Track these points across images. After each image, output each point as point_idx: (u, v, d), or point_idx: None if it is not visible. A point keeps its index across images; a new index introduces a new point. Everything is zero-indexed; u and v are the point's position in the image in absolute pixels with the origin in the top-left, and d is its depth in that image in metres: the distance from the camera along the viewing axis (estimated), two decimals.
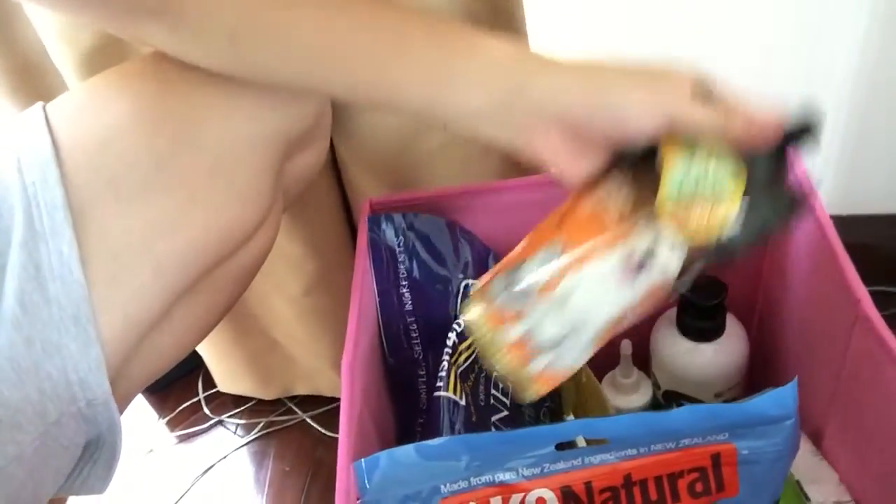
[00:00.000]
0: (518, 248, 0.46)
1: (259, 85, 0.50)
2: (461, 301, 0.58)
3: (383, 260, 0.57)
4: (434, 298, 0.57)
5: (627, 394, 0.69)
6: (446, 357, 0.53)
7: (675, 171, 0.42)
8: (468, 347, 0.55)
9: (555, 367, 0.42)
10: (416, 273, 0.58)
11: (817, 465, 0.58)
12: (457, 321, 0.55)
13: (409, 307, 0.57)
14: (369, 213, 0.59)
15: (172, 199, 0.49)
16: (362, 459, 0.43)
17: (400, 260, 0.58)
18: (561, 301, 0.42)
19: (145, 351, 0.51)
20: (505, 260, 0.47)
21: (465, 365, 0.55)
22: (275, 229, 0.58)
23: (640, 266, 0.42)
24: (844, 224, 0.55)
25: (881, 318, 0.48)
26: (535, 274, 0.43)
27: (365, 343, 0.54)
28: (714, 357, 0.65)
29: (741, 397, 0.69)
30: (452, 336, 0.54)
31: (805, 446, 0.58)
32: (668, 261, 0.42)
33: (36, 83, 0.64)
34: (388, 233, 0.58)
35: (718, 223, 0.42)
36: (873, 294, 0.50)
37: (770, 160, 0.43)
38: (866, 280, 0.50)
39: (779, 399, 0.45)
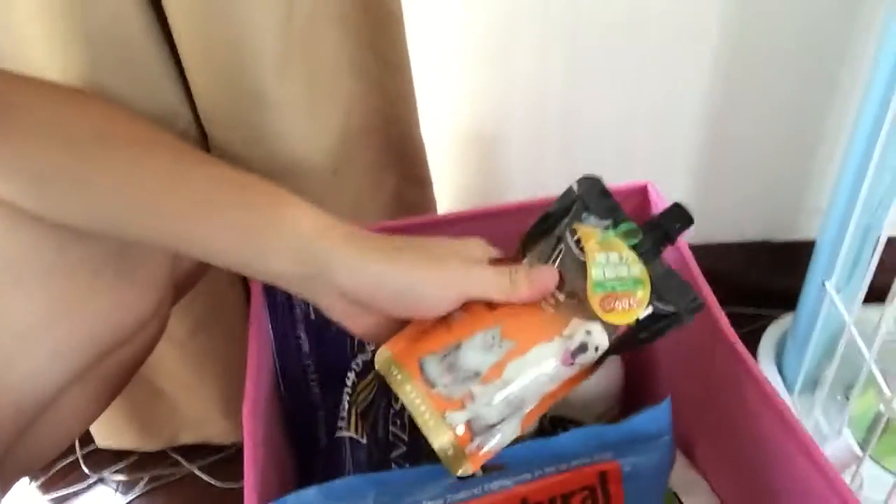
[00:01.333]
0: (436, 327, 0.46)
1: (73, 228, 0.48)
2: (357, 341, 0.59)
3: (278, 303, 0.58)
4: (331, 340, 0.58)
5: None
6: (346, 396, 0.54)
7: (598, 264, 0.47)
8: (366, 386, 0.57)
9: (489, 445, 0.44)
10: (312, 315, 0.58)
11: (691, 477, 0.63)
12: (356, 361, 0.56)
13: (305, 349, 0.58)
14: None
15: (73, 285, 0.49)
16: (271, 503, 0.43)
17: (296, 302, 0.58)
18: (505, 386, 0.44)
19: (31, 437, 0.51)
20: (415, 335, 0.46)
21: (365, 404, 0.56)
22: (164, 321, 0.59)
23: (579, 350, 0.45)
24: (700, 252, 0.61)
25: (738, 339, 0.54)
26: (478, 360, 0.44)
27: (263, 388, 0.54)
28: (594, 382, 0.69)
29: (620, 417, 0.75)
30: (351, 375, 0.55)
31: (679, 459, 0.63)
32: (601, 342, 0.46)
33: None
34: None
35: (638, 305, 0.46)
36: (729, 315, 0.55)
37: (657, 249, 0.49)
38: (722, 303, 0.56)
39: (654, 417, 0.49)
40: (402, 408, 0.63)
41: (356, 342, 0.58)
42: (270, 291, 0.58)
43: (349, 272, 0.44)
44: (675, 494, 0.61)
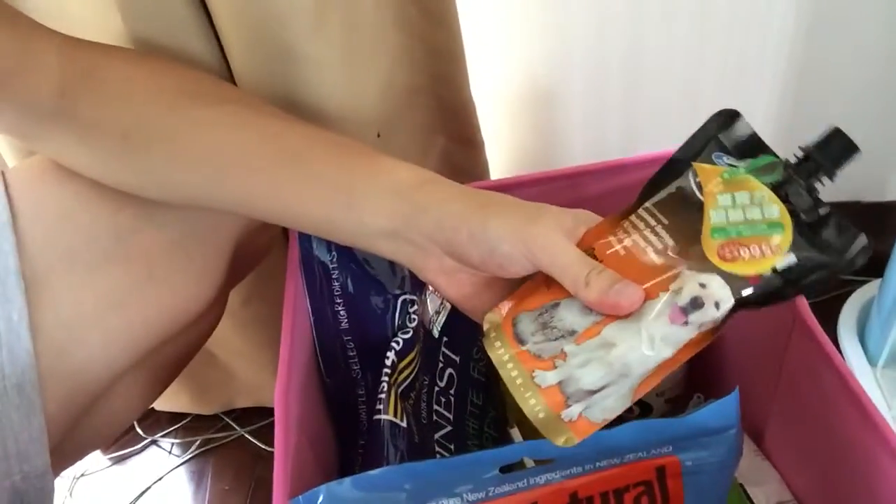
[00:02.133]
0: (538, 286, 0.43)
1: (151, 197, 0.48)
2: (399, 318, 0.56)
3: (316, 276, 0.55)
4: (371, 315, 0.55)
5: None
6: (385, 377, 0.51)
7: (720, 206, 0.41)
8: (407, 365, 0.54)
9: (592, 415, 0.39)
10: (351, 289, 0.55)
11: (759, 465, 0.58)
12: (395, 339, 0.53)
13: (344, 325, 0.55)
14: None
15: (129, 274, 0.48)
16: (300, 496, 0.41)
17: (334, 276, 0.55)
18: (604, 348, 0.39)
19: (86, 423, 0.51)
20: (521, 295, 0.44)
21: (406, 383, 0.54)
22: (221, 309, 0.58)
23: (692, 306, 0.39)
24: None
25: (817, 323, 0.49)
26: (575, 320, 0.40)
27: (300, 366, 0.52)
28: None
29: (682, 395, 0.70)
30: (391, 354, 0.52)
31: (747, 447, 0.59)
32: (722, 296, 0.39)
33: None
34: (321, 247, 0.55)
35: (774, 252, 0.40)
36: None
37: (810, 186, 0.41)
38: None
39: (721, 410, 0.45)
40: (447, 385, 0.60)
41: (396, 317, 0.55)
42: (308, 263, 0.55)
43: (438, 218, 0.42)
44: (742, 486, 0.57)
